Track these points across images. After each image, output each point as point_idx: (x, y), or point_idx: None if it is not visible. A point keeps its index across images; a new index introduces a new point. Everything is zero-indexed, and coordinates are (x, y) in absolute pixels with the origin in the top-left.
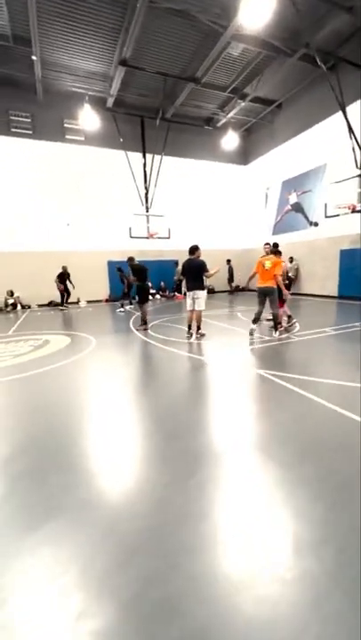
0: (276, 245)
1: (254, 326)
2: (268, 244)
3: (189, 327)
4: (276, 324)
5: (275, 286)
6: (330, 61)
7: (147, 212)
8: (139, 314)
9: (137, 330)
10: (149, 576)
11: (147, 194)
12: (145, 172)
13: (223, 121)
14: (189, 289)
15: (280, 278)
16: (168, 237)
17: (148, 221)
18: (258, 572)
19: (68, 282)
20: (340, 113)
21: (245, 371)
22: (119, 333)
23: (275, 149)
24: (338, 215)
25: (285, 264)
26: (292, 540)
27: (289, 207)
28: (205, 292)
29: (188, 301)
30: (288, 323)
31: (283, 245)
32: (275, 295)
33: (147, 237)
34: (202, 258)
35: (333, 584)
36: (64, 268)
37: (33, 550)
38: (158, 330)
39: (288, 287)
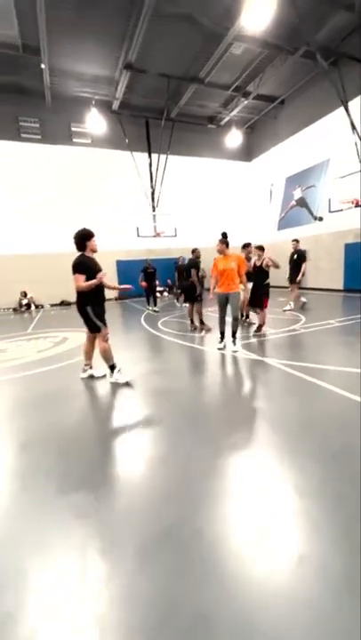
0: (224, 235)
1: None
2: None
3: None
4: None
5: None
6: (331, 57)
7: (153, 211)
8: (151, 313)
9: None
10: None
11: (153, 193)
12: (151, 171)
13: (227, 119)
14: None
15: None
16: (175, 236)
17: (154, 220)
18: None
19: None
20: (343, 108)
21: (256, 360)
22: (132, 330)
23: (278, 145)
24: (341, 210)
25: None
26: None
27: (294, 202)
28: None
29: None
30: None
31: (288, 242)
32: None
33: (154, 236)
34: (209, 254)
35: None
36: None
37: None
38: (168, 325)
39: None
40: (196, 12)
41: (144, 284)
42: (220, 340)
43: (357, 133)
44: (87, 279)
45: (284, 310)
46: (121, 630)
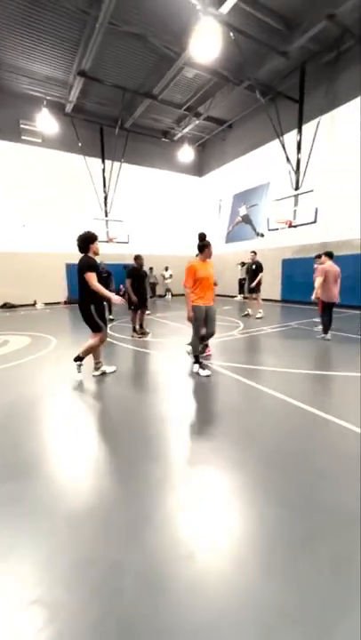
0: (201, 238)
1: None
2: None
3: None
4: (194, 356)
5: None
6: (270, 94)
7: (106, 216)
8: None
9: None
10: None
11: (106, 198)
12: (104, 177)
13: (179, 135)
14: None
15: (187, 291)
16: (127, 242)
17: (107, 226)
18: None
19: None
20: (278, 140)
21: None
22: (81, 332)
23: (226, 165)
24: (277, 229)
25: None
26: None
27: (239, 218)
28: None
29: None
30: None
31: (235, 254)
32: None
33: (107, 241)
34: (158, 263)
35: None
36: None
37: None
38: (118, 330)
39: None
40: (149, 33)
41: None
42: (195, 362)
43: (291, 164)
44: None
45: (257, 318)
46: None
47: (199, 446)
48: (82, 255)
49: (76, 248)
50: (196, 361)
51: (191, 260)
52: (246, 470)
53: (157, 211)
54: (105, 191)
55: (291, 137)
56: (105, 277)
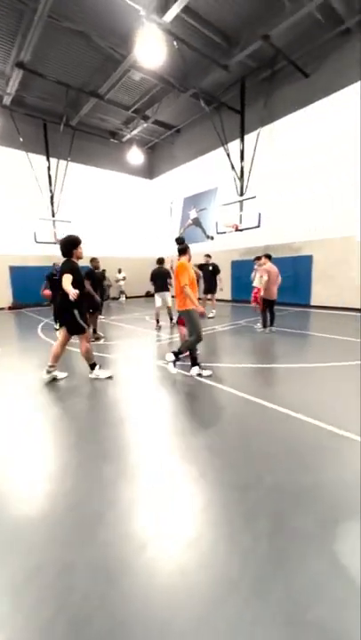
0: (179, 242)
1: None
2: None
3: (158, 321)
4: (192, 358)
5: (181, 309)
6: (214, 104)
7: (53, 216)
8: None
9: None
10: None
11: (52, 198)
12: (49, 175)
13: (128, 136)
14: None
15: (187, 290)
16: None
17: (54, 226)
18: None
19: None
20: (223, 148)
21: (148, 362)
22: (27, 339)
23: (177, 168)
24: (225, 232)
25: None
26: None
27: (190, 221)
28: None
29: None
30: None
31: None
32: (186, 320)
33: (54, 242)
34: (111, 265)
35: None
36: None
37: None
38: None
39: None
40: (93, 33)
41: (47, 292)
42: (194, 365)
43: (235, 172)
44: (72, 282)
45: (209, 317)
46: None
47: (153, 442)
48: (64, 259)
49: (22, 251)
50: (195, 363)
51: (181, 260)
52: (196, 460)
53: (108, 212)
54: (51, 190)
55: (235, 145)
56: (58, 281)
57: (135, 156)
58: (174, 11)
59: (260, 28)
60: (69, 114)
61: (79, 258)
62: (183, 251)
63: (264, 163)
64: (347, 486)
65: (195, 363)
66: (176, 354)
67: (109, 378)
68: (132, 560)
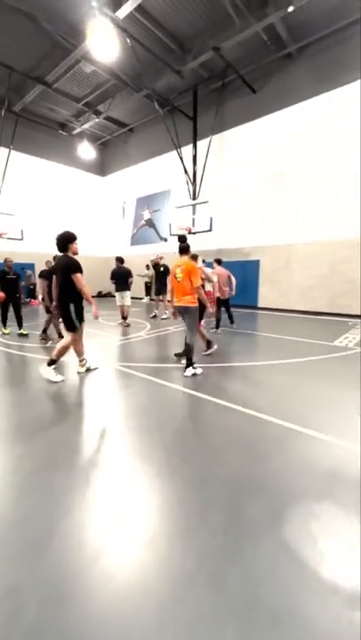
0: (182, 240)
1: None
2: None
3: (125, 318)
4: (189, 359)
5: (191, 305)
6: (167, 107)
7: None
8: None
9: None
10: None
11: None
12: None
13: (78, 130)
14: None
15: (201, 291)
16: (21, 239)
17: None
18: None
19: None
20: (176, 152)
21: (107, 365)
22: None
23: (130, 168)
24: (178, 235)
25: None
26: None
27: (143, 222)
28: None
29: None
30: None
31: (140, 256)
32: (192, 317)
33: None
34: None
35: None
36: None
37: None
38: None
39: None
40: (41, 17)
41: (1, 295)
42: (189, 365)
43: (188, 176)
44: (67, 280)
45: (163, 319)
46: None
47: (106, 446)
48: (61, 255)
49: None
50: (191, 363)
51: (191, 262)
52: (151, 459)
53: (57, 207)
54: None
55: (188, 150)
56: (11, 281)
57: (86, 150)
58: (128, 8)
59: (211, 39)
60: (12, 98)
61: (75, 253)
62: (185, 249)
63: (215, 170)
64: (292, 473)
65: (190, 363)
66: (190, 364)
67: (55, 382)
68: (87, 571)
